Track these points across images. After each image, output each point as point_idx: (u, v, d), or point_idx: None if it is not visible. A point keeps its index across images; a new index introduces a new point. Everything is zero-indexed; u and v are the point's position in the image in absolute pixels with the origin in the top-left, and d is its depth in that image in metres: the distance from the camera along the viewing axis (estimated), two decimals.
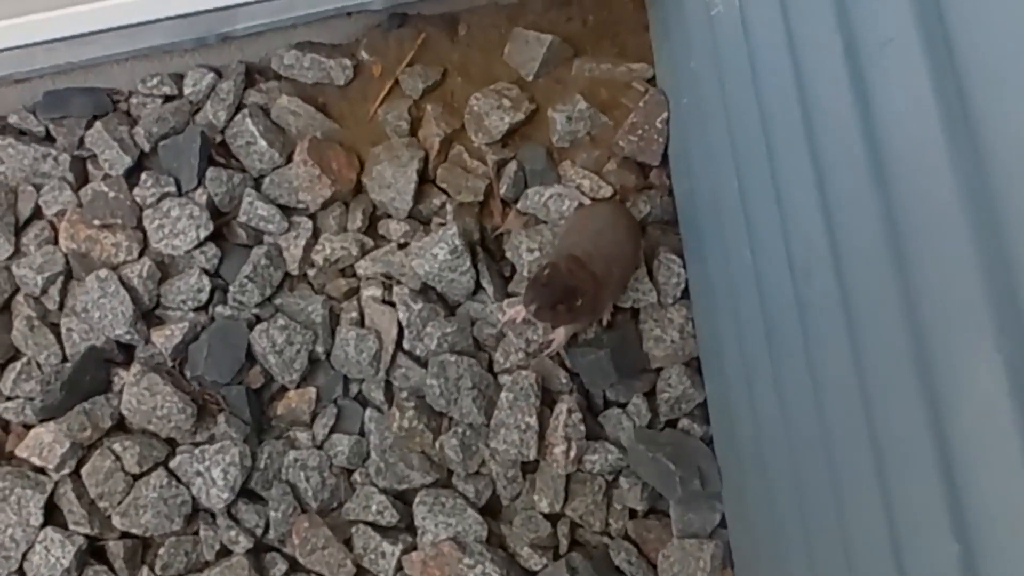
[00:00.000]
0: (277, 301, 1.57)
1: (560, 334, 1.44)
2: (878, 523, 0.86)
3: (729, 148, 1.19)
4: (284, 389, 1.55)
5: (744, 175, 1.15)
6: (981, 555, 0.67)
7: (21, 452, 1.50)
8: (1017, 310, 0.59)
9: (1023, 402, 0.60)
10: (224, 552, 1.50)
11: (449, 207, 1.54)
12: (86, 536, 1.48)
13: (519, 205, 1.55)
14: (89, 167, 1.64)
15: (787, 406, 1.10)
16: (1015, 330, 0.60)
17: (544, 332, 1.48)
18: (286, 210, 1.58)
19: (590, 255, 1.34)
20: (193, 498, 1.49)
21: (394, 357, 1.53)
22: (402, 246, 1.55)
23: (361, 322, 1.55)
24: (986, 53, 0.62)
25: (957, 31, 0.64)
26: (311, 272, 1.58)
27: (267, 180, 1.59)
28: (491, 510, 1.50)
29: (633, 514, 1.48)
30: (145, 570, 1.50)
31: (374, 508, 1.47)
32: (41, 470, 1.50)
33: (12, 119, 1.63)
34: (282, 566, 1.49)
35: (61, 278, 1.57)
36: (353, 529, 1.48)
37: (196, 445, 1.51)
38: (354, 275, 1.58)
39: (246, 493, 1.51)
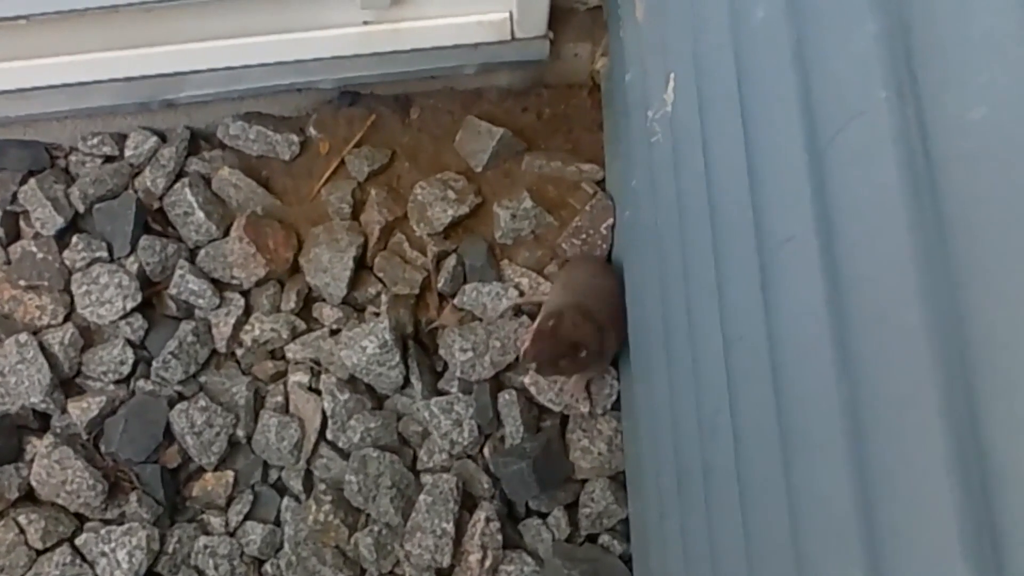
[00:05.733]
0: (202, 379, 1.53)
1: (576, 384, 1.43)
2: None
3: (657, 276, 1.16)
4: (202, 470, 1.50)
5: (667, 309, 1.12)
6: None
7: None
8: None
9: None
10: None
11: (384, 297, 1.51)
12: None
13: (456, 300, 1.51)
14: (21, 223, 1.60)
15: (689, 549, 1.07)
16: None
17: (469, 434, 1.44)
18: (219, 284, 1.54)
19: (593, 304, 1.33)
20: None
21: (316, 446, 1.49)
22: (334, 332, 1.52)
23: (286, 408, 1.51)
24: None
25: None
26: (239, 351, 1.54)
27: (202, 252, 1.55)
28: None
29: None
30: None
31: None
32: None
33: None
34: None
35: None
36: None
37: (105, 523, 1.46)
38: (283, 358, 1.53)
39: None
